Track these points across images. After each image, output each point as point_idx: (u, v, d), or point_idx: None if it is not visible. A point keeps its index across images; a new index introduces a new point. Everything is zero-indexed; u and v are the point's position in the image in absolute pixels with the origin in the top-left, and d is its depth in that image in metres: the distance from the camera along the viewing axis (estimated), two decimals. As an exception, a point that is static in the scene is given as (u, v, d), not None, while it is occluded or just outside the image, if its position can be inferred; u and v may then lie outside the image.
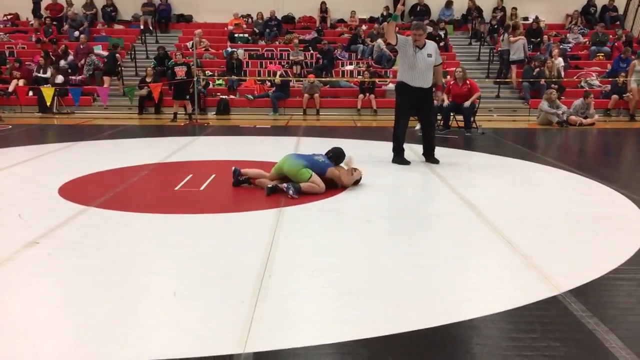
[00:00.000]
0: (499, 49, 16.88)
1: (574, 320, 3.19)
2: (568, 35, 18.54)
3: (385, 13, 19.15)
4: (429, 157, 7.94)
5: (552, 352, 2.85)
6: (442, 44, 17.43)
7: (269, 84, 16.08)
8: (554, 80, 15.32)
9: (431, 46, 7.74)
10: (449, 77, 13.37)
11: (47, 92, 13.55)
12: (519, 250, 4.30)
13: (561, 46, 17.19)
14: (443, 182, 6.74)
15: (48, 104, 13.98)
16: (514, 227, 4.92)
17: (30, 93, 14.93)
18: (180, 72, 13.86)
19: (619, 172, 8.35)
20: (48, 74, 15.56)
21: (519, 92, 16.13)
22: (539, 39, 17.64)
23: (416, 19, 18.97)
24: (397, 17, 7.81)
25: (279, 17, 19.17)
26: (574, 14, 19.29)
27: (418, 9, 19.48)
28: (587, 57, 17.61)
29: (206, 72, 16.32)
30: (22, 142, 10.04)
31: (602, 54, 17.39)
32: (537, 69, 15.40)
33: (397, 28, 7.83)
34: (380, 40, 17.21)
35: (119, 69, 16.31)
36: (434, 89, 7.89)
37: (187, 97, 13.75)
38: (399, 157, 7.84)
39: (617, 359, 2.78)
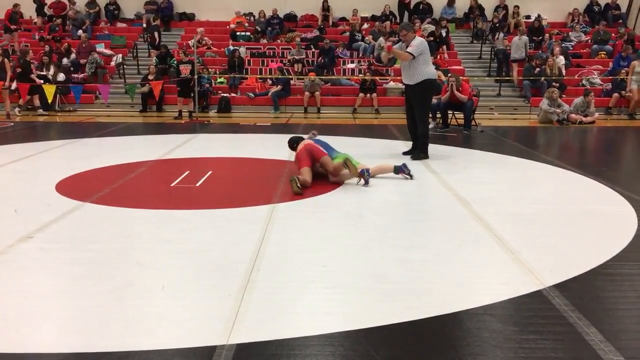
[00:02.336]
0: (495, 48, 16.88)
1: (556, 314, 3.23)
2: (570, 33, 18.50)
3: (387, 12, 19.17)
4: (412, 151, 8.13)
5: (532, 344, 2.88)
6: (442, 42, 17.49)
7: (270, 82, 16.12)
8: (554, 78, 15.31)
9: (413, 41, 7.86)
10: (443, 78, 13.45)
11: (49, 90, 13.64)
12: (507, 246, 4.34)
13: (563, 44, 17.16)
14: (437, 179, 6.77)
15: (49, 101, 14.06)
16: (505, 222, 4.95)
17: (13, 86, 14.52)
18: (185, 70, 13.95)
19: (615, 169, 8.35)
20: (51, 72, 15.64)
21: (520, 91, 16.12)
22: (540, 37, 17.62)
23: (419, 17, 19.03)
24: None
25: (281, 15, 19.20)
26: (575, 12, 19.25)
27: (421, 7, 19.49)
28: (589, 56, 17.57)
29: (210, 70, 16.39)
30: (23, 140, 10.12)
31: (604, 53, 17.35)
32: (538, 69, 15.39)
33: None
34: (382, 39, 17.21)
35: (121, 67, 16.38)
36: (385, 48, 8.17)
37: (192, 94, 13.82)
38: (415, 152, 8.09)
39: (595, 352, 2.82)
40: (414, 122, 8.15)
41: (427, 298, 3.42)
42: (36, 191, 6.05)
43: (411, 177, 6.69)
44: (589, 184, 6.64)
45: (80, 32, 18.02)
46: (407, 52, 7.81)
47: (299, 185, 5.89)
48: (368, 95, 15.26)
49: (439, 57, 16.83)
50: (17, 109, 14.18)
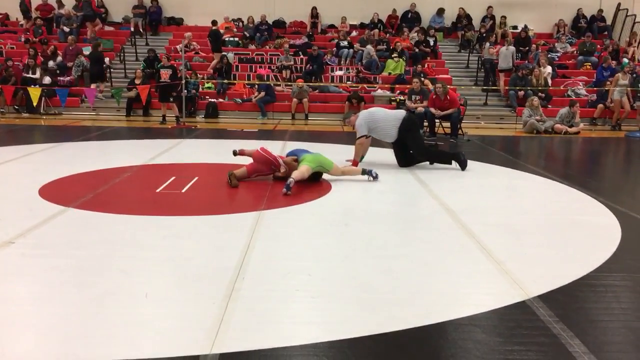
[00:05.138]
0: (482, 57, 17.02)
1: (540, 325, 3.23)
2: (556, 44, 18.71)
3: (376, 20, 19.25)
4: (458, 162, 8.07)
5: (516, 355, 2.88)
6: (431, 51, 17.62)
7: (256, 87, 16.06)
8: (540, 88, 15.45)
9: (356, 124, 8.01)
10: (431, 86, 13.55)
11: (34, 92, 13.52)
12: (492, 256, 4.34)
13: (549, 55, 17.34)
14: (424, 188, 6.78)
15: (34, 104, 13.94)
16: (490, 232, 4.96)
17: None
18: (165, 74, 13.83)
19: (600, 180, 8.43)
20: (37, 75, 15.51)
21: (506, 100, 16.24)
22: (527, 48, 17.78)
23: (407, 26, 19.15)
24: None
25: (270, 21, 19.21)
26: (561, 23, 19.46)
27: (409, 15, 19.61)
28: (575, 67, 17.76)
29: (198, 75, 16.32)
30: (6, 143, 9.99)
31: (589, 64, 17.54)
32: (524, 78, 15.53)
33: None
34: (370, 47, 17.29)
35: (108, 70, 16.28)
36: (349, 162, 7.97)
37: (171, 99, 13.70)
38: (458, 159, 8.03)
39: (578, 363, 2.83)
40: (407, 161, 8.13)
41: (412, 308, 3.41)
42: (19, 195, 5.97)
43: (375, 178, 7.01)
44: (573, 194, 6.69)
45: (69, 34, 17.85)
46: (357, 139, 7.93)
47: (236, 179, 6.55)
48: (355, 103, 15.26)
49: (426, 65, 16.93)
50: None
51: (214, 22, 17.48)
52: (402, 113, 8.18)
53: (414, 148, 8.06)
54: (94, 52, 15.79)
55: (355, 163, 7.81)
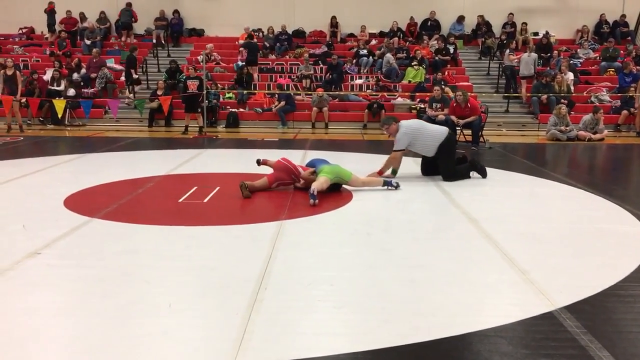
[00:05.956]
0: (503, 64, 16.89)
1: (568, 336, 3.17)
2: (578, 50, 18.49)
3: (395, 28, 19.24)
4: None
5: (543, 368, 2.84)
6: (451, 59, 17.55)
7: (276, 97, 16.14)
8: (563, 95, 15.27)
9: (396, 136, 7.63)
10: (451, 94, 13.46)
11: (59, 104, 13.74)
12: (517, 265, 4.29)
13: (571, 61, 17.15)
14: (446, 197, 6.73)
15: (59, 116, 14.17)
16: (514, 241, 4.90)
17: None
18: (192, 85, 14.05)
19: (625, 188, 8.28)
20: (62, 87, 15.79)
21: (528, 107, 16.09)
22: (549, 54, 17.62)
23: (427, 34, 19.11)
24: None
25: (290, 31, 19.32)
26: (584, 29, 19.25)
27: (429, 24, 19.58)
28: (598, 73, 17.54)
29: (218, 85, 16.48)
30: (32, 154, 10.17)
31: (613, 70, 17.30)
32: (547, 85, 15.37)
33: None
34: (389, 55, 17.28)
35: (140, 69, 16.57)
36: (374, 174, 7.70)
37: (199, 110, 13.89)
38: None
39: (608, 376, 2.77)
40: (431, 171, 7.91)
41: (435, 319, 3.38)
42: (44, 206, 6.06)
43: (396, 187, 7.01)
44: (598, 202, 6.58)
45: (92, 47, 18.17)
46: (393, 150, 7.65)
47: (247, 189, 6.53)
48: (376, 111, 15.23)
49: (446, 73, 16.87)
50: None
51: (250, 36, 17.76)
52: (445, 130, 7.82)
53: (443, 168, 7.70)
54: (132, 55, 16.59)
55: (380, 173, 7.67)
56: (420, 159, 8.23)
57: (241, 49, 17.71)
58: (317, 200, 6.10)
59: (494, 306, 3.60)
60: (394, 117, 8.20)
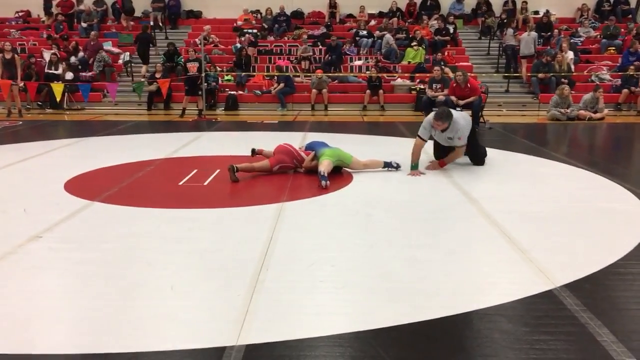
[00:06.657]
0: (504, 44, 16.78)
1: (567, 314, 3.20)
2: (579, 29, 18.36)
3: (394, 8, 19.08)
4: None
5: (543, 345, 2.86)
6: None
7: (275, 79, 16.07)
8: (563, 74, 15.20)
9: (453, 129, 6.93)
10: (451, 74, 13.39)
11: (57, 88, 13.68)
12: (517, 245, 4.30)
13: (572, 40, 17.03)
14: (447, 177, 6.74)
15: (58, 100, 14.12)
16: (514, 221, 4.91)
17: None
18: (193, 68, 13.97)
19: (626, 166, 8.28)
20: (60, 71, 15.70)
21: (528, 87, 16.03)
22: (549, 33, 17.49)
23: (426, 13, 18.95)
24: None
25: (288, 12, 19.16)
26: (584, 7, 19.09)
27: (428, 3, 19.40)
28: (598, 51, 17.42)
29: (217, 68, 16.39)
30: (32, 138, 10.15)
31: (614, 48, 17.19)
32: (547, 64, 15.28)
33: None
34: (388, 35, 17.17)
35: (129, 65, 16.44)
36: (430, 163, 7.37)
37: (200, 92, 13.83)
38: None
39: (608, 353, 2.79)
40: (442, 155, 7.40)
41: (437, 298, 3.40)
42: (45, 190, 6.06)
43: (397, 168, 7.01)
44: (599, 181, 6.59)
45: (89, 30, 18.04)
46: (459, 147, 7.10)
47: (235, 173, 6.43)
48: (376, 92, 15.18)
49: (446, 53, 16.77)
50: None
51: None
52: (469, 120, 7.38)
53: (474, 155, 7.45)
54: (144, 33, 16.79)
55: (443, 164, 7.22)
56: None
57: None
58: (328, 182, 6.10)
59: (494, 285, 3.62)
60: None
